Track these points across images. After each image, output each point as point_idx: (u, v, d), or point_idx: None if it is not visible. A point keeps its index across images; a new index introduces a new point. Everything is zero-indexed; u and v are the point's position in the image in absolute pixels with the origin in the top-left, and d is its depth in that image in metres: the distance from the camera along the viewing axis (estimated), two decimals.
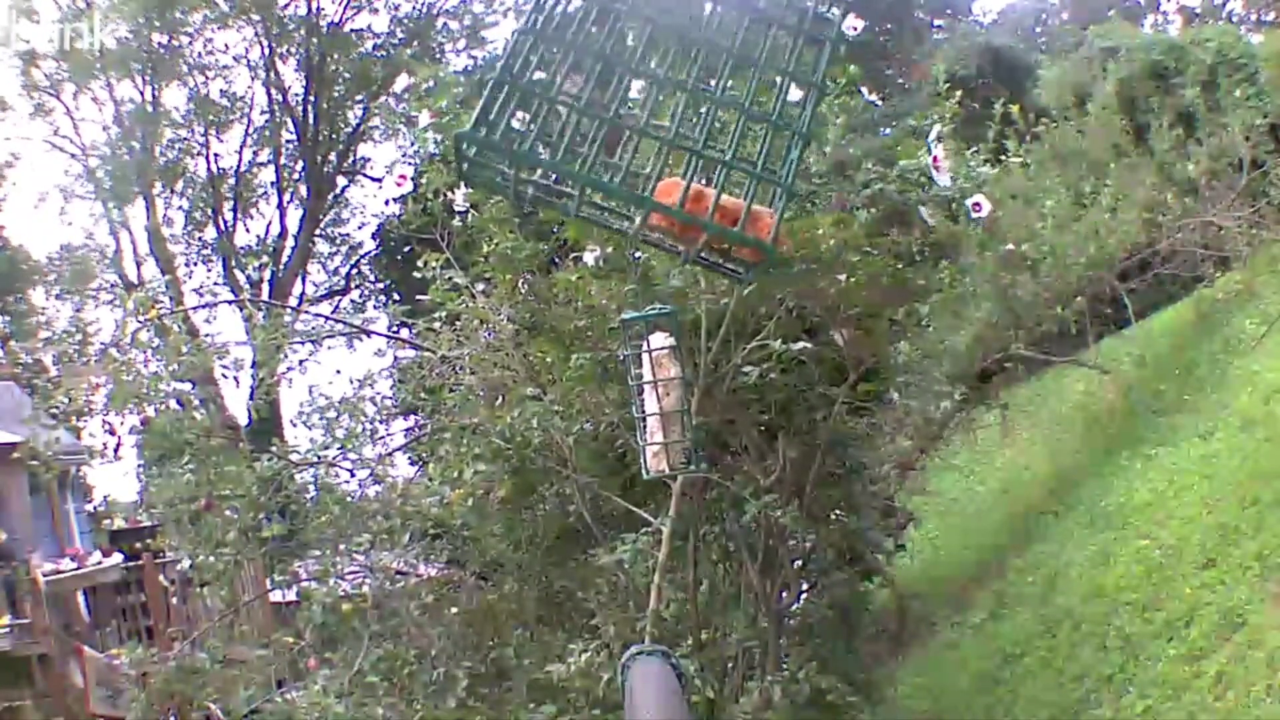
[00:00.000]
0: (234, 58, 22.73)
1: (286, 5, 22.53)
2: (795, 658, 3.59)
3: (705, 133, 0.94)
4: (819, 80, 0.95)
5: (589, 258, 3.57)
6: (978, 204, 3.42)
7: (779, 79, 0.96)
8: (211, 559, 4.06)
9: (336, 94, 23.67)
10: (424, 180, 3.97)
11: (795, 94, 0.97)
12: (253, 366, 4.89)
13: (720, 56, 0.94)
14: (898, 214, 3.47)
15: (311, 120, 23.15)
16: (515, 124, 0.90)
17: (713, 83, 0.94)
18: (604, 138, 0.92)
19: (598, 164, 0.92)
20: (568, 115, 0.90)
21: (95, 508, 13.75)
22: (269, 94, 23.14)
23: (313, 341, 13.29)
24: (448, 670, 3.70)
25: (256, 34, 22.56)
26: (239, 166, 23.51)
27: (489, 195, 3.81)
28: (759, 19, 0.96)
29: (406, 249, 17.28)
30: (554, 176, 0.96)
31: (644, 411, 2.28)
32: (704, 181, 0.93)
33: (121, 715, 6.41)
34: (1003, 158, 6.92)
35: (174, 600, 8.88)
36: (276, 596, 6.19)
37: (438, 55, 23.22)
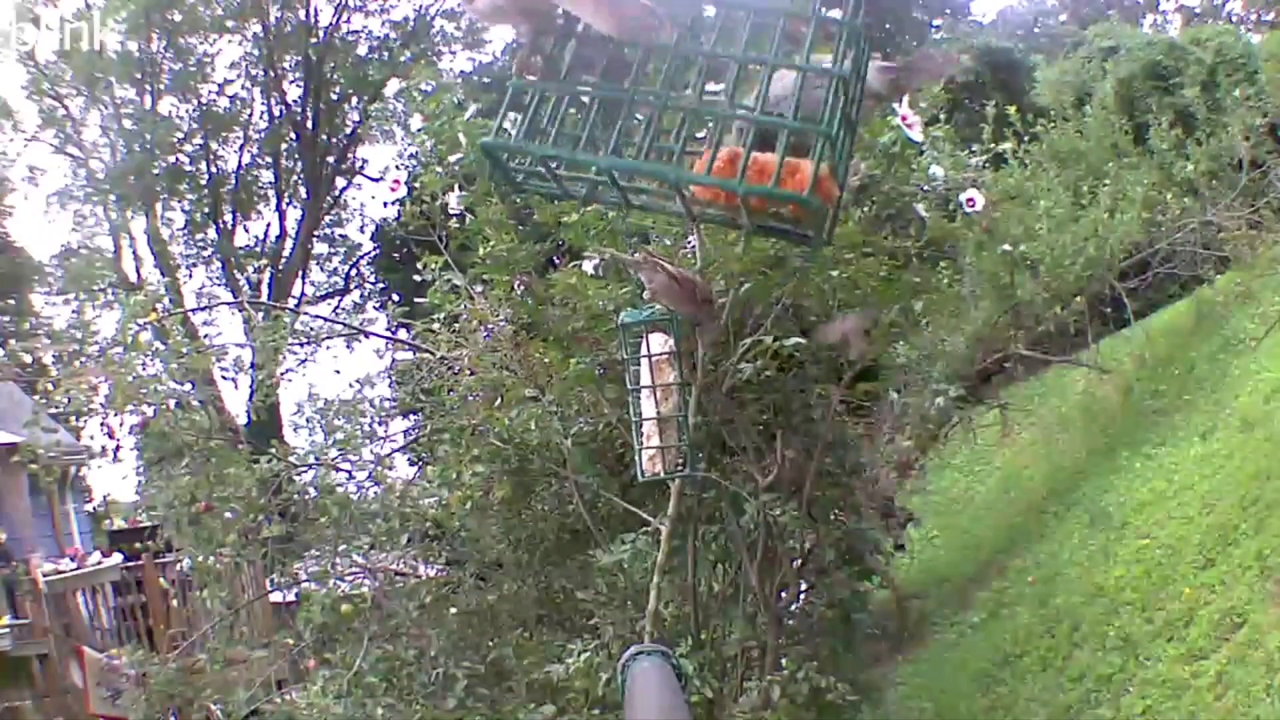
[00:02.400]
0: (232, 63, 22.77)
1: (282, 15, 22.52)
2: (794, 657, 3.59)
3: (730, 94, 0.89)
4: (858, 23, 0.90)
5: (588, 266, 3.58)
6: (971, 199, 3.43)
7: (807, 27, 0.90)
8: (211, 560, 4.06)
9: (334, 96, 23.69)
10: (419, 183, 3.97)
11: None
12: (252, 368, 4.89)
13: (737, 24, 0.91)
14: (893, 213, 3.47)
15: (310, 122, 23.16)
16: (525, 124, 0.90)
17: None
18: (623, 123, 0.89)
19: (621, 148, 0.88)
20: (588, 104, 0.89)
21: (95, 508, 13.75)
22: (267, 98, 23.17)
23: (312, 343, 13.29)
24: (447, 670, 3.70)
25: (255, 38, 22.57)
26: (239, 169, 23.53)
27: (488, 197, 3.82)
28: None
29: (404, 250, 17.30)
30: (593, 170, 0.93)
31: (641, 415, 2.29)
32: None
33: (121, 715, 6.41)
34: (1002, 158, 6.93)
35: (174, 601, 8.87)
36: (276, 597, 6.19)
37: (435, 58, 23.23)
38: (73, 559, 9.81)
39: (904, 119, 3.05)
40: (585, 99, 0.90)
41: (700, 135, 0.96)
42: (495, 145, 0.89)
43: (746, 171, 0.85)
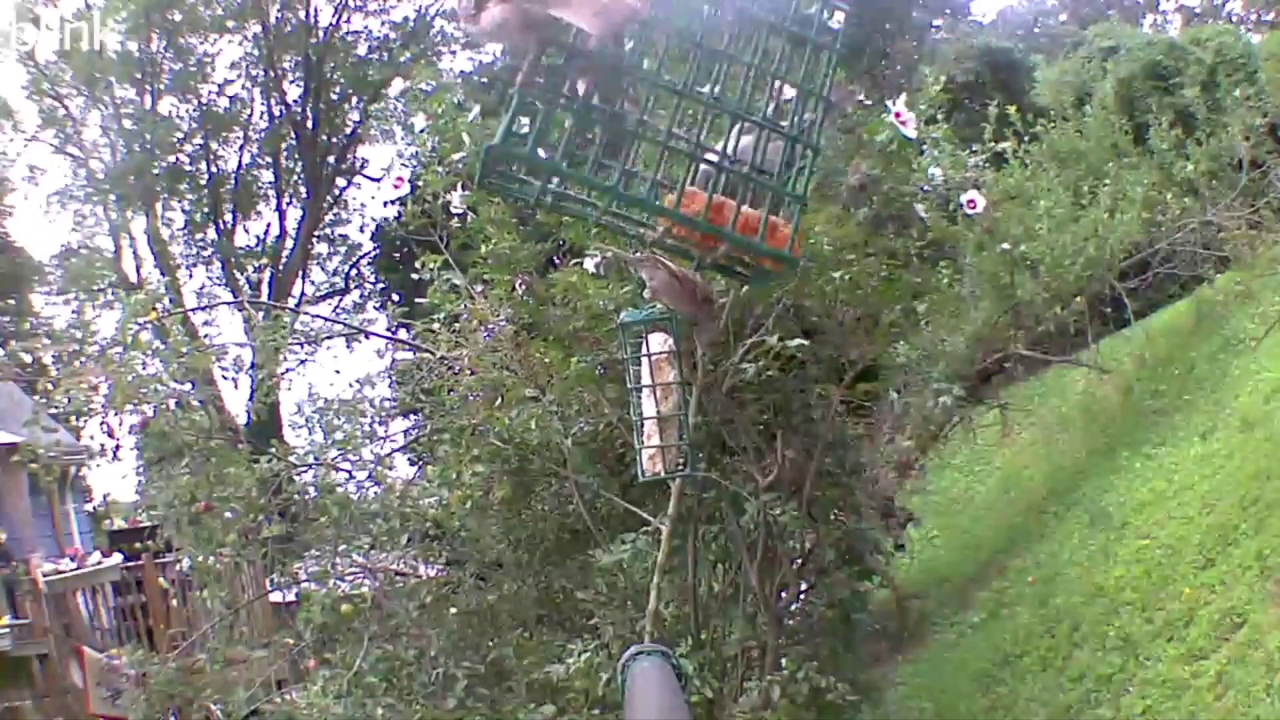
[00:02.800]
0: (233, 63, 22.77)
1: (282, 15, 22.52)
2: (794, 657, 3.59)
3: (726, 145, 0.96)
4: (827, 93, 0.97)
5: (590, 265, 3.58)
6: (971, 201, 3.43)
7: (778, 84, 0.98)
8: (211, 560, 4.06)
9: (334, 96, 23.69)
10: (421, 183, 3.97)
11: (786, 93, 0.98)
12: (252, 368, 4.89)
13: (721, 64, 0.96)
14: (894, 214, 3.47)
15: (310, 122, 23.17)
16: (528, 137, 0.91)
17: (708, 89, 0.96)
18: (628, 148, 0.94)
19: (619, 172, 0.93)
20: (592, 128, 0.91)
21: (95, 508, 13.75)
22: (267, 98, 23.17)
23: (312, 343, 13.29)
24: (447, 670, 3.70)
25: (255, 38, 22.57)
26: (239, 169, 23.53)
27: (489, 198, 3.81)
28: (758, 24, 0.97)
29: (404, 250, 17.31)
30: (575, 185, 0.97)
31: (641, 415, 2.29)
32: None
33: (121, 715, 6.40)
34: (1002, 158, 6.93)
35: (174, 601, 8.87)
36: (276, 597, 6.19)
37: (435, 58, 23.23)
38: (73, 559, 9.80)
39: (898, 115, 3.06)
40: (576, 117, 0.92)
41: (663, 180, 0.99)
42: (501, 151, 0.90)
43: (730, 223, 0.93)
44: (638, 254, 1.61)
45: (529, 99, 0.90)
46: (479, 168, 0.93)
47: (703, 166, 0.95)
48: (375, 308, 23.14)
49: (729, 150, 0.97)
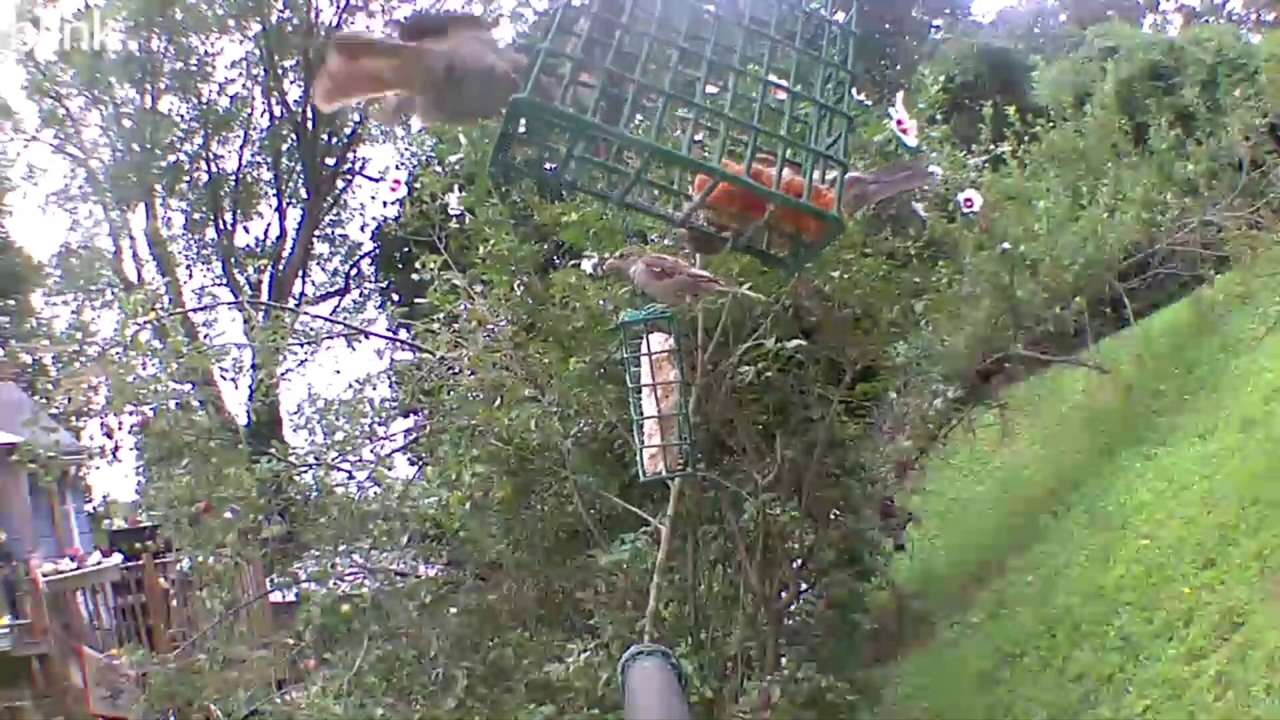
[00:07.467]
0: (233, 63, 22.77)
1: (284, 15, 22.51)
2: (794, 657, 3.59)
3: (758, 113, 0.93)
4: (850, 65, 0.96)
5: (587, 266, 3.58)
6: (969, 200, 3.43)
7: (801, 63, 0.96)
8: (211, 560, 4.06)
9: None
10: (419, 183, 3.97)
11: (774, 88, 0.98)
12: (252, 368, 4.89)
13: (740, 35, 0.94)
14: (893, 214, 3.48)
15: (310, 122, 23.16)
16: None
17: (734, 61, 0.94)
18: (664, 113, 0.88)
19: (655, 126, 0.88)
20: (625, 90, 0.88)
21: (95, 508, 13.75)
22: (267, 98, 23.17)
23: (312, 343, 13.29)
24: (446, 670, 3.71)
25: (255, 38, 22.57)
26: (239, 168, 23.54)
27: (488, 196, 3.82)
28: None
29: (404, 250, 17.30)
30: (602, 156, 0.93)
31: (642, 414, 2.29)
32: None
33: (121, 715, 6.40)
34: (1001, 159, 6.94)
35: (174, 601, 8.87)
36: (276, 597, 6.19)
37: None
38: (73, 559, 9.81)
39: (899, 123, 3.05)
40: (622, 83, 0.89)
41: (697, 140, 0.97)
42: (531, 105, 0.83)
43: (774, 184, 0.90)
44: (621, 255, 1.60)
45: (555, 56, 0.86)
46: (499, 133, 0.86)
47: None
48: (375, 308, 23.15)
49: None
